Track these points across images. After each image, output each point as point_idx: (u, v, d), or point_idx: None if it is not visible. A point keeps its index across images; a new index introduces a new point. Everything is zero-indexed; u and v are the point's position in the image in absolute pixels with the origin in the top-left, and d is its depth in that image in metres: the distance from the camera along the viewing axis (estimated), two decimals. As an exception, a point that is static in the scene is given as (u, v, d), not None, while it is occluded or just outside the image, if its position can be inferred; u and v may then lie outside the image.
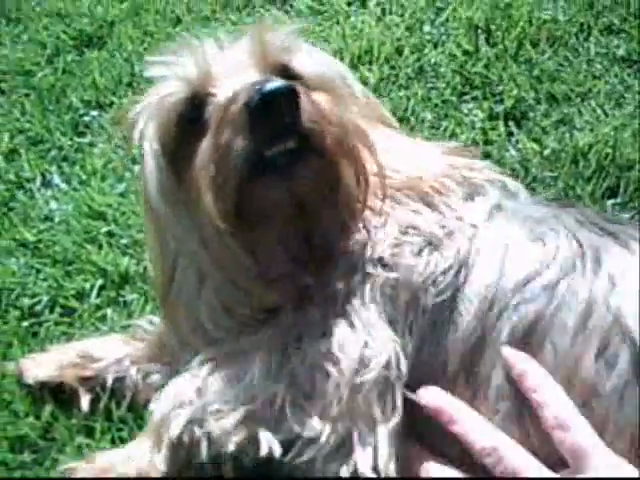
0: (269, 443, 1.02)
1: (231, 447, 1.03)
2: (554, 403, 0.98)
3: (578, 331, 1.01)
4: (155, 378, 1.34)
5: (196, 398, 1.08)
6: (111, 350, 1.37)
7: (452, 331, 1.06)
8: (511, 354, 1.02)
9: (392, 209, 1.13)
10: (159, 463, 1.09)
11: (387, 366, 1.04)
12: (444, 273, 1.09)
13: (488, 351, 1.04)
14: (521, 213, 1.15)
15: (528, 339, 1.03)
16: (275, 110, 0.97)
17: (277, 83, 0.97)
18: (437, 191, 1.16)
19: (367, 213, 1.12)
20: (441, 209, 1.15)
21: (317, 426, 1.01)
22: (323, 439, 1.01)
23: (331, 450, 1.01)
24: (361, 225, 1.12)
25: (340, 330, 1.06)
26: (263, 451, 1.02)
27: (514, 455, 0.97)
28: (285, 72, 1.10)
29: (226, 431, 1.04)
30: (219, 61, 1.10)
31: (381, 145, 1.15)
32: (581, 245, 1.08)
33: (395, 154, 1.19)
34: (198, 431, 1.05)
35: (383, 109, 1.31)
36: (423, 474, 1.02)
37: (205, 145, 1.03)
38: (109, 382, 1.34)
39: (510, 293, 1.05)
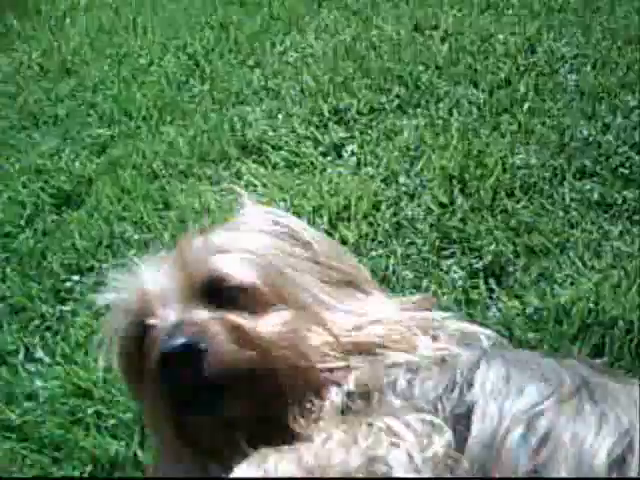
0: None
1: None
2: None
3: None
4: None
5: None
6: None
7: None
8: None
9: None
10: None
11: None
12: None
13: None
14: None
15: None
16: (178, 363, 1.11)
17: (177, 341, 1.11)
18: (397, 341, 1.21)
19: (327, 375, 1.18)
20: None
21: None
22: None
23: None
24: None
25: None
26: None
27: None
28: (215, 287, 1.20)
29: None
30: (150, 290, 1.22)
31: (342, 308, 1.25)
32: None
33: (352, 315, 1.25)
34: None
35: (357, 269, 1.38)
36: None
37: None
38: None
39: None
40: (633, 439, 1.02)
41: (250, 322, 1.17)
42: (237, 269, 1.22)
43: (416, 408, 1.10)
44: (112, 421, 1.66)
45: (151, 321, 1.19)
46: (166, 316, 1.18)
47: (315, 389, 1.16)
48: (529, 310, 1.75)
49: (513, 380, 1.14)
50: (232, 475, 1.03)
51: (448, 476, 1.03)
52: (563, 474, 1.02)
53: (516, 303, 1.78)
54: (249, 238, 1.30)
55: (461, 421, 1.10)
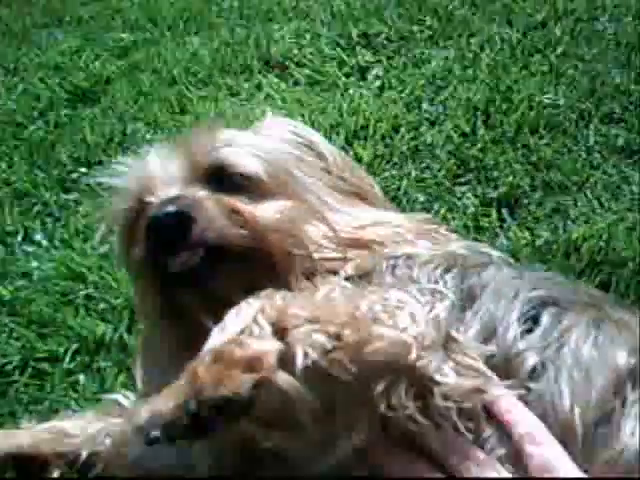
0: None
1: None
2: (526, 421, 0.96)
3: None
4: (131, 449, 1.29)
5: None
6: (86, 427, 1.32)
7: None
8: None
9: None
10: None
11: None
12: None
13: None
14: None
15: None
16: (165, 231, 1.11)
17: (166, 208, 1.11)
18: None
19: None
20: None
21: None
22: None
23: None
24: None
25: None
26: None
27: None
28: (218, 175, 1.19)
29: None
30: (155, 173, 1.21)
31: (346, 211, 1.24)
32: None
33: (355, 217, 1.24)
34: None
35: (369, 184, 1.35)
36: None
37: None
38: (83, 456, 1.29)
39: None
40: None
41: (247, 205, 1.16)
42: (242, 159, 1.21)
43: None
44: (102, 305, 1.63)
45: (150, 198, 1.17)
46: (165, 194, 1.17)
47: (308, 276, 1.14)
48: (539, 242, 1.71)
49: (523, 280, 1.11)
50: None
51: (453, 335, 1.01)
52: (569, 374, 0.99)
53: (526, 234, 1.74)
54: (260, 139, 1.29)
55: (465, 302, 1.07)
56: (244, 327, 0.96)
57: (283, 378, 0.93)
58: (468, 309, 1.07)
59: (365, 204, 1.30)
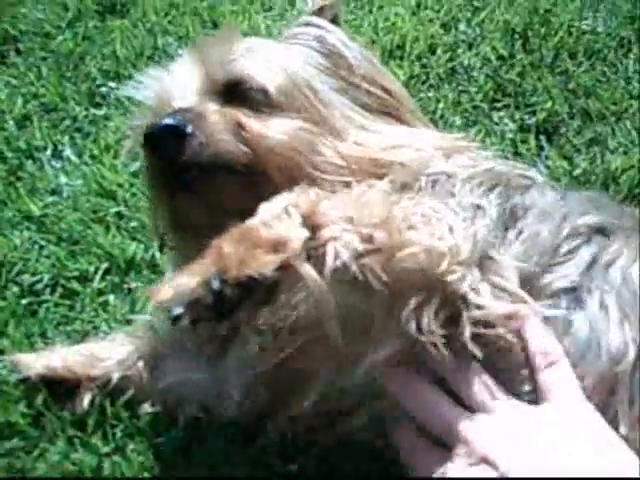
0: None
1: None
2: (545, 339, 0.97)
3: None
4: (162, 372, 1.29)
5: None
6: (117, 349, 1.33)
7: None
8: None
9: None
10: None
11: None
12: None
13: None
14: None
15: None
16: (159, 145, 1.11)
17: (163, 121, 1.10)
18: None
19: None
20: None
21: None
22: None
23: None
24: None
25: None
26: None
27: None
28: (234, 88, 1.18)
29: None
30: (173, 86, 1.20)
31: (372, 129, 1.20)
32: None
33: (380, 136, 1.21)
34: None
35: (402, 98, 1.30)
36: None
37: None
38: (114, 380, 1.30)
39: None
40: None
41: (255, 122, 1.14)
42: (259, 72, 1.18)
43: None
44: (133, 223, 1.62)
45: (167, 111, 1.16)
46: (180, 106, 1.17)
47: None
48: (577, 172, 1.68)
49: (571, 205, 1.08)
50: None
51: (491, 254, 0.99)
52: (617, 294, 0.99)
53: (564, 163, 1.71)
54: (284, 49, 1.25)
55: (508, 222, 1.04)
56: (274, 215, 0.96)
57: (309, 272, 0.92)
58: (511, 229, 1.05)
59: (398, 121, 1.26)
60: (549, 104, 1.85)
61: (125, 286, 1.51)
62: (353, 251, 0.92)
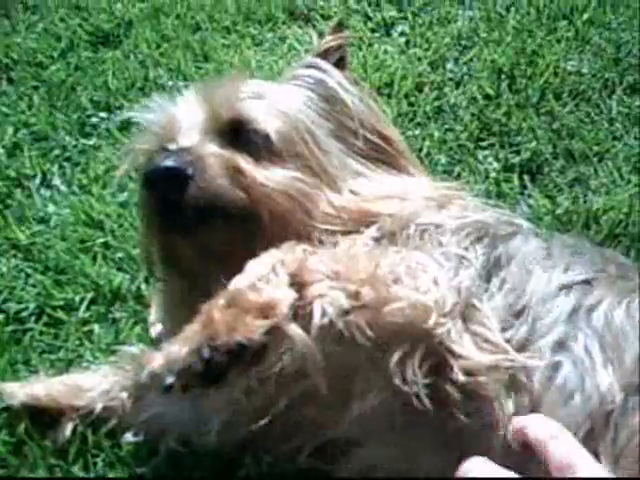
0: None
1: None
2: (538, 420, 0.94)
3: None
4: (145, 403, 1.30)
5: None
6: (101, 380, 1.35)
7: None
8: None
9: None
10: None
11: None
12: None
13: None
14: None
15: None
16: (161, 184, 1.12)
17: (164, 163, 1.11)
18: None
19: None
20: None
21: None
22: None
23: None
24: None
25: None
26: None
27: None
28: (237, 129, 1.19)
29: None
30: (177, 119, 1.21)
31: (368, 177, 1.23)
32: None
33: (375, 185, 1.22)
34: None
35: (396, 143, 1.31)
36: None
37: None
38: (97, 410, 1.32)
39: None
40: None
41: (254, 168, 1.15)
42: (261, 116, 1.20)
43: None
44: (120, 254, 1.63)
45: (170, 147, 1.18)
46: (183, 143, 1.18)
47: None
48: (559, 211, 1.71)
49: (554, 255, 1.10)
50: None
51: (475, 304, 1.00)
52: (600, 338, 1.00)
53: (547, 202, 1.73)
54: (286, 92, 1.27)
55: (492, 270, 1.06)
56: (262, 275, 0.97)
57: (296, 331, 0.94)
58: (494, 277, 1.06)
59: (392, 168, 1.28)
60: (533, 144, 1.88)
61: (110, 316, 1.53)
62: (339, 308, 0.94)
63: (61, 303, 1.54)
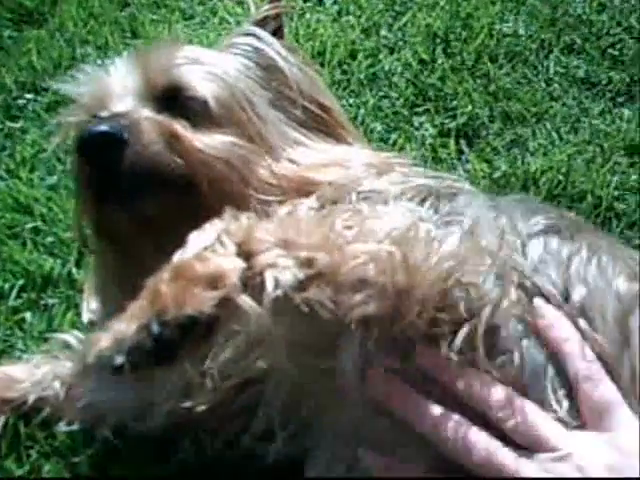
0: None
1: None
2: (582, 356, 0.94)
3: None
4: (80, 391, 1.26)
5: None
6: (33, 371, 1.31)
7: None
8: (542, 305, 0.96)
9: None
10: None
11: None
12: None
13: None
14: None
15: None
16: (95, 150, 1.09)
17: (98, 127, 1.09)
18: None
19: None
20: None
21: None
22: None
23: None
24: None
25: None
26: None
27: (530, 409, 0.91)
28: (173, 95, 1.17)
29: None
30: (110, 87, 1.19)
31: (307, 146, 1.21)
32: None
33: (314, 153, 1.21)
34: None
35: (335, 112, 1.30)
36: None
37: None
38: (30, 402, 1.28)
39: None
40: None
41: (191, 134, 1.13)
42: (198, 82, 1.18)
43: None
44: (50, 239, 1.59)
45: (102, 113, 1.15)
46: (116, 109, 1.15)
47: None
48: (497, 174, 1.69)
49: (504, 210, 1.07)
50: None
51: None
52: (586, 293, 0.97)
53: (484, 166, 1.72)
54: (224, 60, 1.24)
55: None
56: (207, 246, 0.94)
57: (248, 303, 0.90)
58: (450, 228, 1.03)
59: (332, 138, 1.26)
60: (469, 108, 1.86)
61: (42, 303, 1.48)
62: (293, 279, 0.91)
63: (-10, 291, 1.49)
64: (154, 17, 2.28)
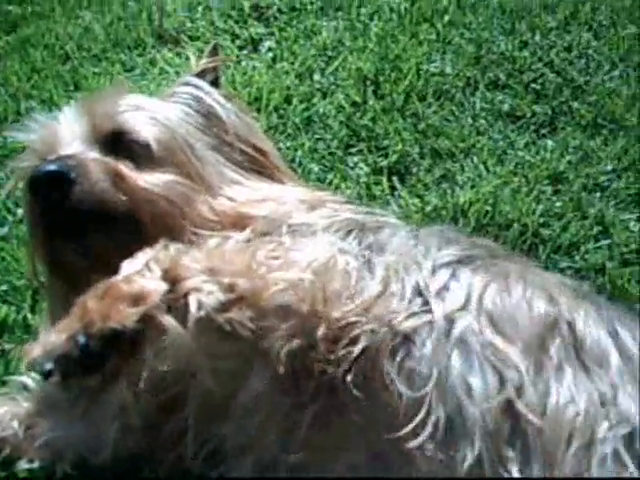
0: None
1: None
2: None
3: None
4: (38, 430, 1.31)
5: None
6: None
7: None
8: None
9: None
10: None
11: None
12: None
13: None
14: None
15: None
16: (45, 188, 1.16)
17: (47, 167, 1.17)
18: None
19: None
20: None
21: None
22: None
23: None
24: None
25: None
26: None
27: None
28: (117, 139, 1.25)
29: None
30: (59, 133, 1.26)
31: (243, 184, 1.29)
32: None
33: (249, 191, 1.28)
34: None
35: (270, 155, 1.38)
36: None
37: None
38: None
39: None
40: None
41: (134, 173, 1.21)
42: (141, 126, 1.26)
43: None
44: (4, 287, 1.63)
45: (51, 157, 1.22)
46: (64, 153, 1.23)
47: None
48: (428, 208, 1.78)
49: (423, 241, 1.16)
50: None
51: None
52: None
53: (416, 201, 1.80)
54: (165, 106, 1.33)
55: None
56: (136, 271, 1.03)
57: (170, 322, 0.99)
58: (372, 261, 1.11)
59: (266, 178, 1.34)
60: (400, 146, 1.95)
61: (-1, 348, 1.53)
62: (215, 301, 1.00)
63: (-53, 340, 1.54)
64: (95, 70, 2.35)
